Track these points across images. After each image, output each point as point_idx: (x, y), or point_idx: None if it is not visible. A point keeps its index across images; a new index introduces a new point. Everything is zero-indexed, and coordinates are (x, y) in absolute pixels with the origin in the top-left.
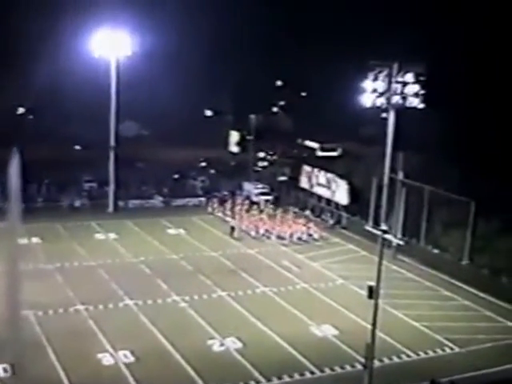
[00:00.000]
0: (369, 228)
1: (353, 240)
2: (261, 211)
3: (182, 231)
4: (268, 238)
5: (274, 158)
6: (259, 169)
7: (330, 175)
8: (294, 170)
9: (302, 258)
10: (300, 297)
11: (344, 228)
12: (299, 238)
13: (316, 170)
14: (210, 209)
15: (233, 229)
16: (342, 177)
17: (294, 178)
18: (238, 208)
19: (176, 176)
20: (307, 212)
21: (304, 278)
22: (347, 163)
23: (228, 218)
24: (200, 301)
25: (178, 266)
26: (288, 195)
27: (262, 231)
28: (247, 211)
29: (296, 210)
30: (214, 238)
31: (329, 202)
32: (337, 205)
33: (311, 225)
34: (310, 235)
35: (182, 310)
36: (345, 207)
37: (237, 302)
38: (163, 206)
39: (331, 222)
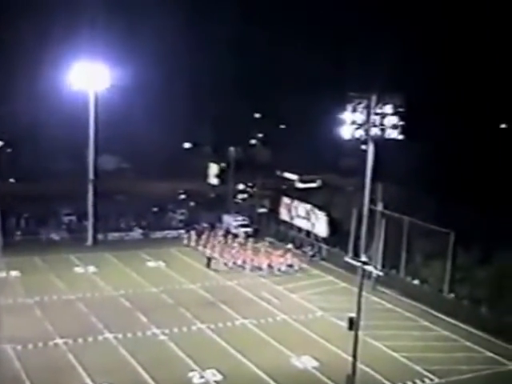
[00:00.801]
0: (348, 259)
1: (332, 271)
2: (240, 243)
3: (161, 263)
4: (247, 269)
5: (254, 189)
6: (239, 201)
7: (309, 207)
8: (273, 201)
9: (281, 290)
10: (280, 328)
11: (324, 259)
12: (278, 270)
13: (295, 201)
14: (186, 241)
15: (209, 260)
16: (321, 208)
17: (274, 210)
18: (217, 240)
19: (155, 209)
20: (289, 245)
21: (284, 310)
22: (326, 195)
23: (206, 250)
24: (180, 333)
25: (157, 298)
26: (268, 227)
27: (240, 263)
28: (226, 243)
29: (275, 241)
30: (193, 270)
31: (308, 233)
32: (316, 236)
33: (290, 256)
34: (290, 266)
35: (161, 342)
36: (324, 239)
37: (216, 334)
38: (142, 239)
39: (310, 253)
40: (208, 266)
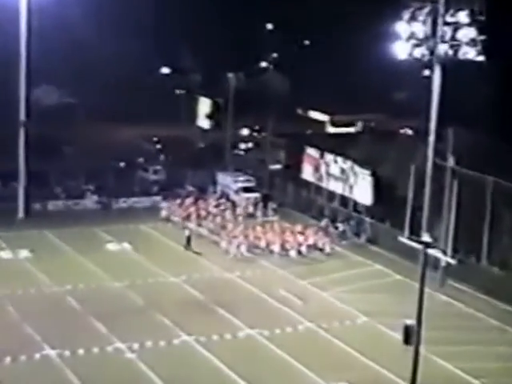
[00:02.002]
0: (404, 240)
1: (381, 258)
2: (242, 215)
3: (126, 246)
4: (254, 255)
5: (263, 136)
6: (241, 153)
7: (345, 162)
8: (292, 154)
9: (305, 285)
10: (303, 343)
11: (369, 241)
12: (299, 252)
13: (325, 154)
14: (163, 213)
15: (189, 240)
16: (363, 164)
17: (293, 167)
18: (209, 210)
19: (118, 165)
20: (323, 221)
21: (309, 315)
22: (371, 144)
23: (189, 225)
24: (155, 350)
25: (121, 298)
26: (283, 192)
27: (244, 246)
28: (222, 216)
29: (295, 213)
30: (175, 257)
31: (345, 201)
32: (356, 206)
33: (317, 234)
34: (320, 250)
35: (128, 363)
36: (368, 210)
37: (209, 351)
38: (99, 210)
39: (347, 231)
40: (187, 247)
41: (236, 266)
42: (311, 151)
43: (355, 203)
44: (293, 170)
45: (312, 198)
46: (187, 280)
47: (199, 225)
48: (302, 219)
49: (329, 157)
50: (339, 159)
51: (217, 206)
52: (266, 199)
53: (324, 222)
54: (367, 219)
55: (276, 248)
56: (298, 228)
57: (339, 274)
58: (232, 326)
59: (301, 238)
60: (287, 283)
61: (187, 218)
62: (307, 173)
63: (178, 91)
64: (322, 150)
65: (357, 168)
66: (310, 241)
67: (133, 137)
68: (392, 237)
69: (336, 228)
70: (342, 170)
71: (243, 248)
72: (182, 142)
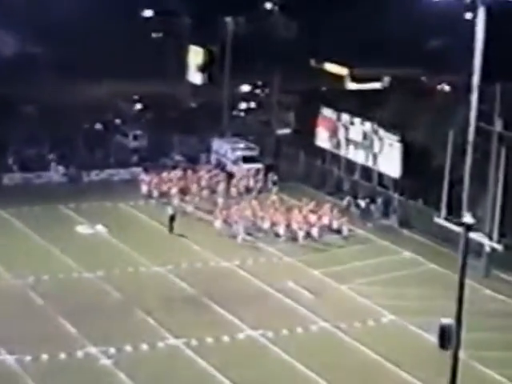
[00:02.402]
0: (441, 221)
1: (411, 242)
2: (241, 190)
3: (101, 229)
4: (256, 238)
5: (268, 93)
6: (241, 114)
7: (369, 126)
8: (303, 116)
9: (318, 277)
10: (317, 347)
11: (400, 224)
12: (307, 235)
13: (344, 115)
14: (144, 188)
15: (172, 220)
16: (390, 128)
17: (305, 132)
18: (201, 185)
19: (91, 129)
20: (345, 201)
21: (324, 313)
22: (400, 104)
23: (177, 202)
24: (135, 355)
25: (95, 292)
26: (293, 162)
27: (242, 227)
28: (216, 191)
29: (307, 188)
30: (160, 242)
31: (368, 174)
32: (381, 179)
33: (333, 213)
34: (338, 232)
35: (102, 371)
36: (396, 184)
37: (201, 357)
38: (67, 184)
39: (374, 212)
40: (171, 228)
41: (234, 253)
42: (327, 112)
43: (380, 176)
44: (304, 135)
45: (327, 169)
46: (174, 270)
47: (187, 202)
48: (314, 195)
49: (348, 119)
50: (361, 122)
51: (210, 179)
52: (270, 171)
53: (345, 201)
54: (395, 196)
55: (281, 230)
56: (310, 206)
57: (360, 263)
58: (230, 326)
59: (313, 218)
60: (296, 273)
61: (173, 193)
62: (322, 138)
63: (159, 35)
64: (340, 111)
65: (382, 133)
66: (324, 221)
67: (108, 94)
68: (425, 217)
69: (357, 206)
70: (365, 135)
71: (241, 230)
72: (168, 101)
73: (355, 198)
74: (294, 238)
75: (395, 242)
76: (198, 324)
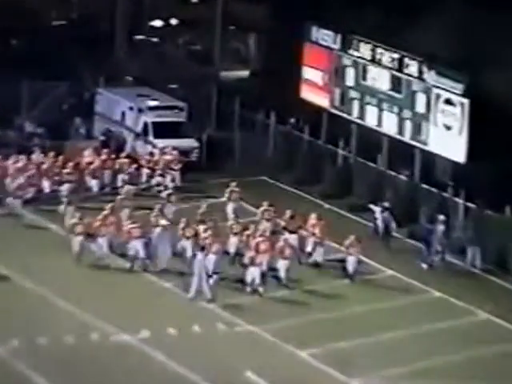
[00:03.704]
0: None
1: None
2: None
3: None
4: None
5: None
6: (152, 39)
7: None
8: (275, 45)
9: (305, 362)
10: None
11: (460, 250)
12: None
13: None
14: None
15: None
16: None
17: (277, 74)
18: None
19: None
20: (377, 210)
21: None
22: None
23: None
24: None
25: None
26: (253, 136)
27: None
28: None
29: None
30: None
31: (400, 154)
32: (429, 166)
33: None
34: (343, 265)
35: None
36: (459, 176)
37: None
38: None
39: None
40: (78, 257)
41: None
42: (318, 33)
43: (428, 160)
44: (277, 80)
45: (321, 150)
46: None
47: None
48: (298, 200)
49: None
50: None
51: (91, 169)
52: (213, 154)
53: (379, 212)
54: (459, 201)
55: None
56: (286, 215)
57: (375, 336)
58: None
59: (292, 239)
60: (264, 357)
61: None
62: (310, 83)
63: None
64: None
65: (435, 78)
66: (308, 245)
67: None
68: None
69: (386, 226)
70: (397, 82)
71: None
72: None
73: (373, 202)
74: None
75: (449, 284)
76: None
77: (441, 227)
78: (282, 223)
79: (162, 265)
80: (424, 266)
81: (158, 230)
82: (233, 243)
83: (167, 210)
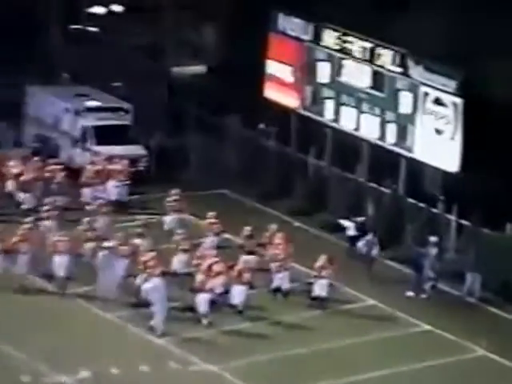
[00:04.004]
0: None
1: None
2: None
3: None
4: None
5: None
6: (91, 29)
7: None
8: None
9: None
10: None
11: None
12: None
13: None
14: None
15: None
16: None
17: (240, 69)
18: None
19: None
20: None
21: None
22: None
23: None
24: None
25: None
26: (212, 145)
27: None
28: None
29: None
30: None
31: (381, 161)
32: (415, 177)
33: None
34: (311, 295)
35: None
36: (449, 192)
37: None
38: None
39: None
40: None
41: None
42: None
43: (412, 167)
44: (236, 72)
45: (291, 154)
46: None
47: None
48: (257, 215)
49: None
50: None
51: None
52: (163, 163)
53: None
54: (448, 216)
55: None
56: (244, 233)
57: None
58: None
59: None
60: None
61: None
62: (271, 95)
63: None
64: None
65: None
66: (272, 268)
67: None
68: None
69: (350, 241)
70: (379, 78)
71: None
72: None
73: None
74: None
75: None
76: None
77: (433, 250)
78: (239, 242)
79: (107, 293)
80: (411, 294)
81: (89, 245)
82: (179, 262)
83: (100, 225)
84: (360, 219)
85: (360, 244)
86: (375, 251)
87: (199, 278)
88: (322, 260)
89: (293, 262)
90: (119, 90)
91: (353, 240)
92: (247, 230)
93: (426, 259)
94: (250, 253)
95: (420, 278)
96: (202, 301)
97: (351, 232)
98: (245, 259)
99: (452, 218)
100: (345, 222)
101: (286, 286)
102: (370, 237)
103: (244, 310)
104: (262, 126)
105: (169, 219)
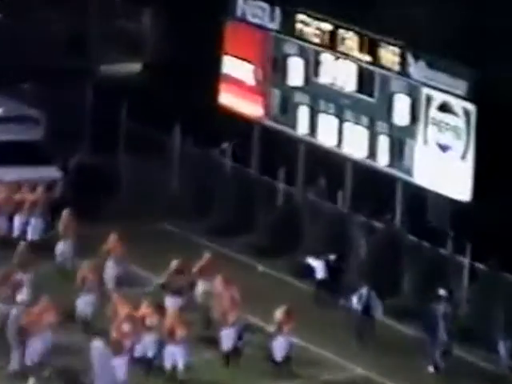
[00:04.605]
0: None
1: None
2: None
3: None
4: None
5: None
6: None
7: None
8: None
9: None
10: None
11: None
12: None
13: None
14: None
15: None
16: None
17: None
18: None
19: None
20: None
21: None
22: None
23: None
24: None
25: None
26: (150, 161)
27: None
28: None
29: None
30: None
31: (368, 187)
32: (414, 208)
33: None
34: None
35: None
36: (460, 227)
37: None
38: None
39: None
40: None
41: None
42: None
43: (413, 201)
44: (180, 71)
45: (253, 176)
46: None
47: None
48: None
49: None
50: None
51: None
52: (84, 189)
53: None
54: (459, 257)
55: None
56: (171, 267)
57: None
58: None
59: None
60: None
61: None
62: (228, 101)
63: None
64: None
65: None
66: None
67: None
68: None
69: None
70: (368, 78)
71: None
72: None
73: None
74: None
75: None
76: None
77: (443, 307)
78: (161, 280)
79: None
80: (432, 370)
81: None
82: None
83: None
84: (331, 257)
85: (354, 300)
86: (378, 311)
87: (113, 337)
88: (280, 312)
89: (239, 310)
90: (28, 94)
91: (321, 284)
92: (174, 263)
93: (439, 318)
94: (176, 292)
95: (433, 342)
96: (119, 368)
97: (319, 274)
98: (171, 300)
99: (464, 260)
100: (313, 262)
101: (228, 343)
102: (364, 290)
103: (182, 377)
104: (225, 145)
105: (108, 268)
